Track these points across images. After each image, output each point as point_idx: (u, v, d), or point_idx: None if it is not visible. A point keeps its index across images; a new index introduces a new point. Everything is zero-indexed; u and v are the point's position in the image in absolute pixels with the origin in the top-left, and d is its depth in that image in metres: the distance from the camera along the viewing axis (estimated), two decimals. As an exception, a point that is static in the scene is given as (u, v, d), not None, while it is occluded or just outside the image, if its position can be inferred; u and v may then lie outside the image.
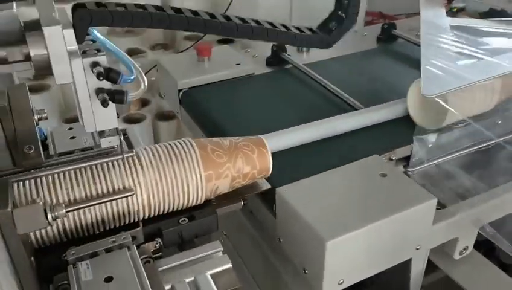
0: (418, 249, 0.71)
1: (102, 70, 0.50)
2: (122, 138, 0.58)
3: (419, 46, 1.20)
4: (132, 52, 2.24)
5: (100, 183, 0.59)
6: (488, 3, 1.26)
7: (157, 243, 0.62)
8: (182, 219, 0.64)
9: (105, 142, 0.57)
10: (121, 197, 0.59)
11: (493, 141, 0.83)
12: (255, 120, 0.94)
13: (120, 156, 0.60)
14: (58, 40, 0.47)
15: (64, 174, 0.58)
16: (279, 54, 1.16)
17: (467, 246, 0.80)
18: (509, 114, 0.89)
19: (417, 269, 0.79)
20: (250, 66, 1.12)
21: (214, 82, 1.07)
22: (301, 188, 0.70)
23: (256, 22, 0.66)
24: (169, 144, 0.66)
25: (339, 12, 0.73)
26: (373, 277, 0.77)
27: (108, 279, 0.50)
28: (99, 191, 0.58)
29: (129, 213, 0.61)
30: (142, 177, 0.61)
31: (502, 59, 0.83)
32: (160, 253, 0.62)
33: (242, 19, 0.65)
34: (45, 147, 0.73)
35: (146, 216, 0.64)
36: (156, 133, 2.11)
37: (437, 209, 0.75)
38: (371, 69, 1.16)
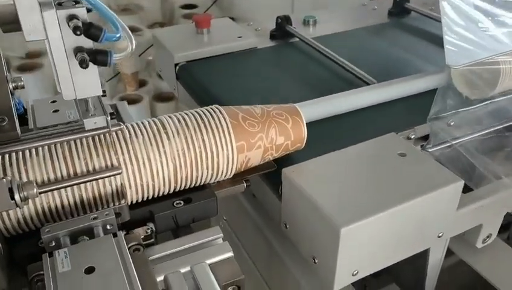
0: (439, 237, 0.64)
1: (80, 24, 0.42)
2: (109, 118, 0.50)
3: (434, 20, 1.13)
4: (128, 30, 2.16)
5: (84, 159, 0.51)
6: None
7: (148, 229, 0.54)
8: (177, 201, 0.57)
9: (89, 124, 0.50)
10: (105, 177, 0.51)
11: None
12: (259, 97, 0.85)
13: (106, 129, 0.52)
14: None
15: (37, 150, 0.50)
16: (283, 26, 1.08)
17: (491, 234, 0.73)
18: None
19: (435, 258, 0.72)
20: (253, 39, 1.04)
21: (214, 56, 0.99)
22: (311, 169, 0.63)
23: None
24: (196, 112, 0.60)
25: None
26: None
27: (89, 270, 0.43)
28: (81, 170, 0.51)
29: (153, 187, 0.55)
30: (168, 147, 0.55)
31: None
32: (153, 239, 0.55)
33: None
34: (24, 121, 0.66)
35: (171, 191, 0.58)
36: (154, 115, 2.03)
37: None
38: (382, 43, 1.07)
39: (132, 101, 1.94)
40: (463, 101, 0.76)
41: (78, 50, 0.44)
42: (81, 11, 0.43)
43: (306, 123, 0.72)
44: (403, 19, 1.20)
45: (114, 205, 0.53)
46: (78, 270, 0.43)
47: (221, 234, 0.55)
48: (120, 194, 0.52)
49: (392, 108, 0.79)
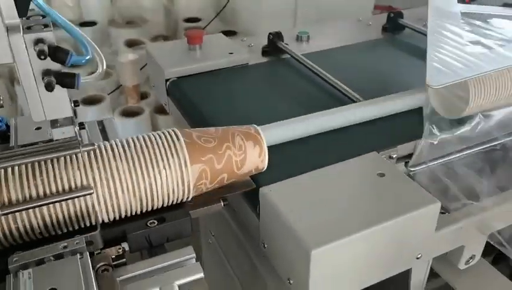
0: (418, 258, 0.63)
1: (45, 48, 0.42)
2: (77, 128, 0.51)
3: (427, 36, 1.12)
4: (132, 43, 2.18)
5: (52, 180, 0.51)
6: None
7: (120, 249, 0.55)
8: (151, 221, 0.57)
9: (58, 133, 0.50)
10: (76, 197, 0.52)
11: (503, 140, 0.75)
12: (248, 113, 0.86)
13: (77, 150, 0.52)
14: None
15: (6, 170, 0.50)
16: (275, 42, 1.08)
17: (474, 255, 0.72)
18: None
19: (418, 280, 0.71)
20: (245, 55, 1.04)
21: (205, 72, 0.99)
22: (288, 188, 0.63)
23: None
24: (154, 133, 0.59)
25: None
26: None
27: (52, 291, 0.43)
28: (51, 190, 0.51)
29: (125, 207, 0.55)
30: (133, 168, 0.55)
31: (506, 51, 0.75)
32: (124, 259, 0.55)
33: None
34: (7, 139, 0.67)
35: (143, 210, 0.58)
36: (155, 127, 2.04)
37: (442, 213, 0.68)
38: (374, 60, 1.07)
39: (133, 113, 1.96)
40: (449, 121, 0.76)
41: (45, 73, 0.44)
42: (48, 35, 0.44)
43: (286, 142, 0.73)
44: (397, 35, 1.20)
45: (85, 224, 0.53)
46: (40, 291, 0.43)
47: (194, 255, 0.55)
48: (91, 218, 0.53)
49: (377, 126, 0.79)
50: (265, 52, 1.09)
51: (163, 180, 0.56)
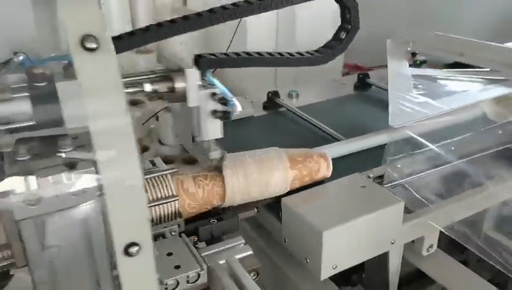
0: (393, 243, 0.91)
1: (219, 97, 0.76)
2: (226, 152, 0.85)
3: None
4: (133, 102, 2.46)
5: (155, 191, 0.79)
6: (444, 55, 1.50)
7: (195, 238, 0.81)
8: (212, 219, 0.84)
9: (215, 154, 0.84)
10: (168, 202, 0.79)
11: (452, 163, 1.06)
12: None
13: (168, 171, 0.81)
14: (193, 78, 0.75)
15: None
16: (273, 99, 1.39)
17: (432, 245, 1.01)
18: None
19: (394, 262, 0.99)
20: (249, 109, 1.35)
21: (219, 123, 1.29)
22: (301, 197, 0.91)
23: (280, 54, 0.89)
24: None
25: (345, 25, 0.90)
26: (359, 273, 0.98)
27: (169, 254, 0.69)
28: (154, 197, 0.79)
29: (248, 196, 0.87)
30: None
31: (443, 101, 1.09)
32: (198, 245, 0.81)
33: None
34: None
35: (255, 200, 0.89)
36: (156, 176, 2.28)
37: (410, 213, 0.96)
38: (350, 110, 1.40)
39: (137, 164, 2.20)
40: (406, 150, 1.06)
41: (213, 112, 0.78)
42: (217, 90, 0.78)
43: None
44: (365, 91, 1.53)
45: (174, 220, 0.80)
46: (162, 254, 0.69)
47: (243, 240, 0.81)
48: (178, 214, 0.80)
49: (356, 156, 1.09)
50: (265, 106, 1.40)
51: (275, 179, 0.88)
